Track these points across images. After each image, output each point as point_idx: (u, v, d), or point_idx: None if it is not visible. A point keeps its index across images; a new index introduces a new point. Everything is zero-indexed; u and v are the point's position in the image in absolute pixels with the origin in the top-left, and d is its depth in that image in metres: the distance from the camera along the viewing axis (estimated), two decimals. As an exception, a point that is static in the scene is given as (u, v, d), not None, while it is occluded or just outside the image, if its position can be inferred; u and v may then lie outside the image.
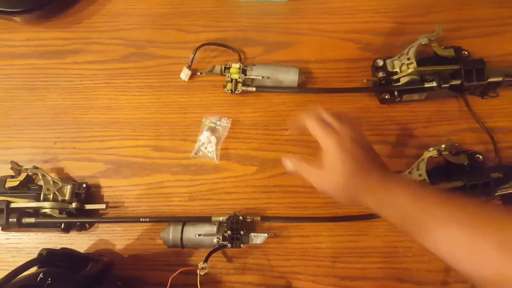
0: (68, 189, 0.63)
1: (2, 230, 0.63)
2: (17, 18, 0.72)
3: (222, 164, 0.65)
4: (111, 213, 0.64)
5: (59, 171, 0.66)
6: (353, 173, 0.44)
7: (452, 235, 0.36)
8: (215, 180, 0.64)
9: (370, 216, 0.60)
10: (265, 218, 0.61)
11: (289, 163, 0.50)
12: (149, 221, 0.61)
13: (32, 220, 0.60)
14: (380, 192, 0.43)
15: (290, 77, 0.64)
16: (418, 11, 0.71)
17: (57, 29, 0.74)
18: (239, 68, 0.64)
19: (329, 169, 0.45)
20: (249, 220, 0.60)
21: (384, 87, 0.65)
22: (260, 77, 0.64)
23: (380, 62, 0.66)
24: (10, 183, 0.63)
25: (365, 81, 0.66)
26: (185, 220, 0.61)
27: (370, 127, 0.66)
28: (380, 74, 0.64)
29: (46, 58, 0.72)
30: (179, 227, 0.59)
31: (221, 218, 0.60)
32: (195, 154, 0.65)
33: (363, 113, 0.66)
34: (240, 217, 0.59)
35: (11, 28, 0.74)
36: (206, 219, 0.60)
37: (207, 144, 0.65)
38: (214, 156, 0.65)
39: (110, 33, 0.73)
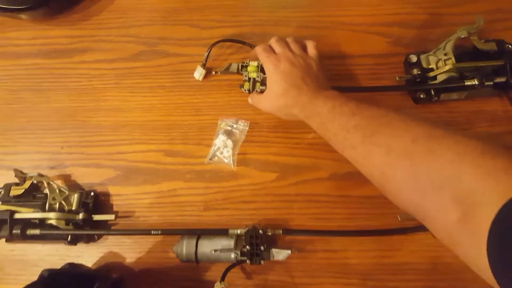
0: (75, 198, 0.59)
1: (6, 241, 0.59)
2: (22, 16, 0.69)
3: (239, 171, 0.60)
4: (121, 223, 0.59)
5: (66, 178, 0.62)
6: (285, 91, 0.51)
7: (352, 141, 0.43)
8: (232, 188, 0.59)
9: (405, 230, 0.54)
10: (287, 231, 0.56)
11: (250, 98, 0.59)
12: (160, 234, 0.56)
13: (37, 231, 0.56)
14: (308, 105, 0.49)
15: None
16: (453, 1, 0.64)
17: (63, 26, 0.70)
18: (257, 66, 0.58)
19: (268, 91, 0.54)
20: (269, 234, 0.55)
21: (419, 85, 0.58)
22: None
23: (414, 58, 0.59)
24: (15, 191, 0.59)
25: (397, 79, 0.60)
26: (199, 233, 0.56)
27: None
28: (415, 71, 0.58)
29: (52, 58, 0.68)
30: (194, 241, 0.54)
31: (239, 231, 0.55)
32: (210, 159, 0.60)
33: (394, 114, 0.60)
34: (260, 231, 0.53)
35: (16, 26, 0.70)
36: (223, 232, 0.55)
37: (223, 149, 0.60)
38: (231, 162, 0.59)
39: (120, 30, 0.68)
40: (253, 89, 0.59)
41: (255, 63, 0.58)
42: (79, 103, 0.65)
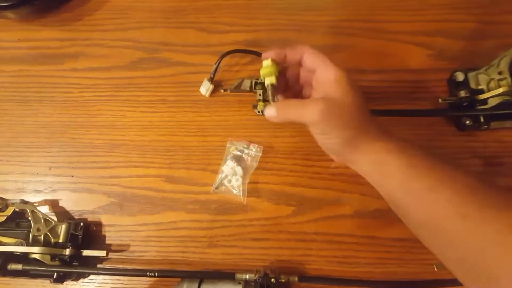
0: (62, 229, 0.52)
1: (-15, 276, 0.52)
2: (8, 14, 0.60)
3: (250, 203, 0.52)
4: (114, 259, 0.52)
5: (54, 205, 0.55)
6: (360, 107, 0.37)
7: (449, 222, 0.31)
8: (241, 223, 0.51)
9: (443, 283, 0.46)
10: (304, 279, 0.48)
11: (272, 109, 0.39)
12: (157, 276, 0.48)
13: (19, 267, 0.50)
14: (370, 152, 0.37)
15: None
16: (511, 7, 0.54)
17: (52, 27, 0.61)
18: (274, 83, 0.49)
19: (336, 99, 0.36)
20: (283, 281, 0.47)
21: (466, 110, 0.49)
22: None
23: (461, 76, 0.50)
24: (-5, 219, 0.53)
25: (440, 101, 0.50)
26: (202, 277, 0.48)
27: (442, 157, 0.50)
28: (463, 93, 0.49)
29: (39, 64, 0.60)
30: (195, 285, 0.47)
31: (247, 276, 0.47)
32: (216, 188, 0.52)
33: (433, 141, 0.51)
34: (272, 279, 0.46)
35: (0, 26, 0.62)
36: (229, 276, 0.48)
37: (231, 177, 0.52)
38: (240, 192, 0.51)
39: (116, 33, 0.60)
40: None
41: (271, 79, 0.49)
42: (69, 117, 0.58)
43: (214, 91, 0.55)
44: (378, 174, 0.36)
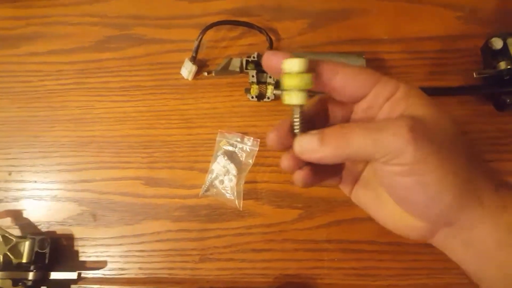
0: (26, 247, 0.44)
1: None
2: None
3: (247, 207, 0.43)
4: (89, 278, 0.44)
5: (16, 216, 0.47)
6: (459, 134, 0.22)
7: None
8: (238, 231, 0.43)
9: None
10: (315, 297, 0.40)
11: (313, 138, 0.22)
12: (140, 300, 0.40)
13: (-24, 294, 0.42)
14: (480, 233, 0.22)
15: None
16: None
17: (3, 4, 0.51)
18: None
19: (424, 117, 0.21)
20: (290, 301, 0.39)
21: (507, 86, 0.39)
22: (305, 74, 0.39)
23: (499, 43, 0.41)
24: None
25: (475, 75, 0.41)
26: (193, 299, 0.40)
27: (477, 143, 0.42)
28: (502, 65, 0.39)
29: (-10, 49, 0.50)
30: (185, 310, 0.39)
31: (248, 297, 0.39)
32: (206, 191, 0.44)
33: (466, 124, 0.42)
34: (277, 301, 0.37)
35: None
36: (226, 297, 0.40)
37: (223, 177, 0.43)
38: (234, 195, 0.43)
39: (79, 7, 0.50)
40: (263, 96, 0.41)
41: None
42: (29, 111, 0.49)
43: (198, 73, 0.45)
44: None
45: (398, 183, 0.21)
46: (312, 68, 0.21)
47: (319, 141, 0.21)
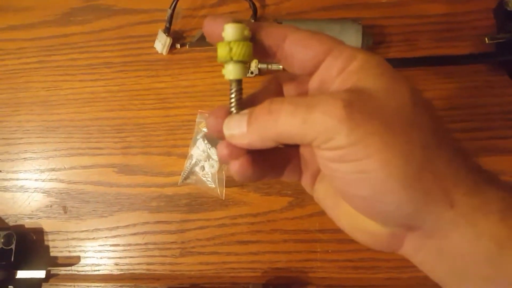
0: (-11, 243, 0.40)
1: None
2: None
3: (231, 195, 0.39)
4: (61, 275, 0.41)
5: (-20, 210, 0.42)
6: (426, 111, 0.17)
7: None
8: (222, 222, 0.39)
9: None
10: (307, 294, 0.36)
11: (240, 120, 0.18)
12: (115, 300, 0.37)
13: None
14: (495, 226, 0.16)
15: (347, 41, 0.35)
16: None
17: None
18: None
19: (371, 90, 0.16)
20: (280, 298, 0.35)
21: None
22: (292, 44, 0.35)
23: (515, 3, 0.35)
24: None
25: (487, 40, 0.35)
26: (173, 298, 0.36)
27: (489, 118, 0.37)
28: (518, 27, 0.34)
29: None
30: (164, 310, 0.35)
31: (233, 294, 0.35)
32: (186, 179, 0.39)
33: (478, 96, 0.37)
34: (265, 299, 0.34)
35: None
36: (208, 295, 0.36)
37: (204, 162, 0.39)
38: (216, 182, 0.38)
39: (39, -25, 0.44)
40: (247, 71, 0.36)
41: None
42: (-11, 94, 0.44)
43: (174, 47, 0.40)
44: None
45: (335, 172, 0.17)
46: (254, 35, 0.18)
47: (244, 126, 0.17)
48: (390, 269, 0.37)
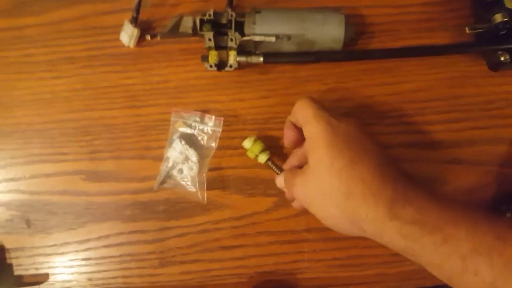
0: None
1: None
2: None
3: (213, 198, 0.37)
4: (27, 296, 0.37)
5: None
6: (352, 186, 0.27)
7: None
8: (203, 227, 0.37)
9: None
10: (297, 296, 0.35)
11: (280, 179, 0.34)
12: (90, 319, 0.34)
13: None
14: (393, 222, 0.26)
15: (330, 31, 0.34)
16: None
17: None
18: (230, 20, 0.32)
19: (313, 170, 0.29)
20: (269, 303, 0.34)
21: (502, 42, 0.34)
22: (272, 37, 0.32)
23: (495, -7, 0.35)
24: None
25: (467, 30, 0.35)
26: (155, 312, 0.34)
27: (469, 108, 0.37)
28: (498, 17, 0.34)
29: None
30: (146, 326, 0.33)
31: (219, 303, 0.33)
32: (162, 183, 0.37)
33: (457, 87, 0.37)
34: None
35: None
36: (193, 306, 0.34)
37: (181, 165, 0.36)
38: (196, 186, 0.36)
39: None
40: (225, 65, 0.33)
41: (226, 15, 0.32)
42: None
43: (142, 39, 0.37)
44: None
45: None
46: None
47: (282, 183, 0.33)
48: (378, 265, 0.36)
